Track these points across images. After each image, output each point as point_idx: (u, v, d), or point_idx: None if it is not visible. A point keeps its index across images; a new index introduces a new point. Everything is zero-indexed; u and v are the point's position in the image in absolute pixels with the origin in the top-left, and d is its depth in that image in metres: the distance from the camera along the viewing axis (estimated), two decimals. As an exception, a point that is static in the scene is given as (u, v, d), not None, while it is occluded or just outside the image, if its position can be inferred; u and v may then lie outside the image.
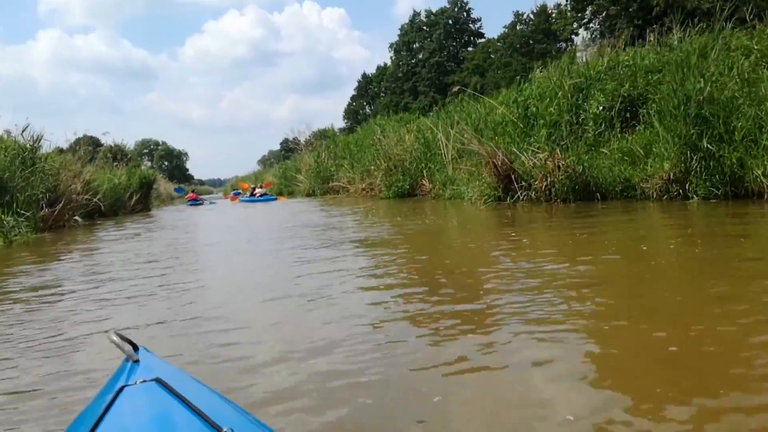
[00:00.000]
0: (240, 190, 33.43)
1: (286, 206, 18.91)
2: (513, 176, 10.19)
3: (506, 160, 10.26)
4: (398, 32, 60.95)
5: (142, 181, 21.85)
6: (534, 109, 11.41)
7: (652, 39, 11.68)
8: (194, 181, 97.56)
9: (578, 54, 29.65)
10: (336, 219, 10.49)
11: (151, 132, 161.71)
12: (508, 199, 9.91)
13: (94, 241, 9.52)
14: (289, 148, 68.81)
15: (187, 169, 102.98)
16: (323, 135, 46.02)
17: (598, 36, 33.65)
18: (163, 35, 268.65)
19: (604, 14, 28.34)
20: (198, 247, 7.96)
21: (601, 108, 9.89)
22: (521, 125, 11.65)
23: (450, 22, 58.22)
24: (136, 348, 1.53)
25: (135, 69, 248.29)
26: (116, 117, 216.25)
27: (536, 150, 10.20)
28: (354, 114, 69.19)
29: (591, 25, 29.97)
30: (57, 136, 57.39)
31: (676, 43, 10.24)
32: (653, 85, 9.49)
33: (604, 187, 8.82)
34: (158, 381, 1.27)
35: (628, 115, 9.64)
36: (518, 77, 13.96)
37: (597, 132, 9.71)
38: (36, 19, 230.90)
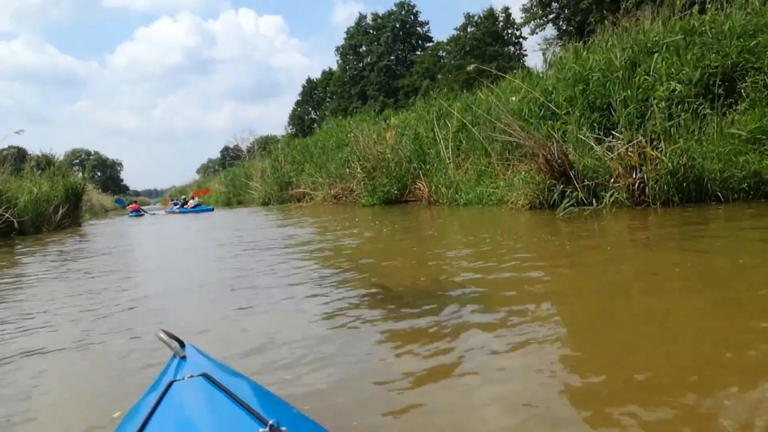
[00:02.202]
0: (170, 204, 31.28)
1: (242, 219, 15.68)
2: (571, 174, 7.62)
3: (562, 152, 7.67)
4: (344, 35, 58.27)
5: (69, 192, 18.02)
6: (573, 89, 8.90)
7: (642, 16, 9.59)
8: (129, 192, 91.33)
9: (544, 53, 27.80)
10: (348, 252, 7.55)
11: (81, 142, 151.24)
12: (563, 203, 7.29)
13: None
14: (231, 156, 64.83)
15: (122, 180, 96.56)
16: (267, 142, 42.93)
17: (558, 36, 32.20)
18: (91, 42, 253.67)
19: (572, 9, 26.60)
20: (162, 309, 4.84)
21: (677, 85, 7.42)
22: (557, 110, 9.12)
23: (397, 25, 56.04)
24: (182, 344, 1.57)
25: (62, 77, 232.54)
26: (44, 127, 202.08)
27: (599, 138, 7.66)
28: (299, 119, 65.87)
29: (558, 21, 28.26)
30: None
31: (758, 4, 7.99)
32: (755, 52, 7.16)
33: (723, 184, 6.35)
34: (205, 376, 1.29)
35: (721, 91, 7.26)
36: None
37: (677, 114, 7.22)
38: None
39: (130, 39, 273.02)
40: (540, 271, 3.86)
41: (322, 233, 8.22)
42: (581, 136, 7.66)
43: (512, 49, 52.67)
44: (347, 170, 16.60)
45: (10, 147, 44.85)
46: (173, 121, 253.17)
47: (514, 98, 11.30)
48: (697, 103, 7.31)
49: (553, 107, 9.36)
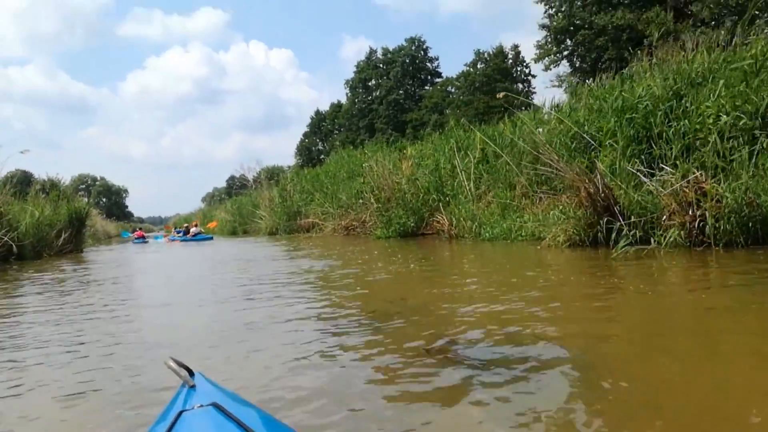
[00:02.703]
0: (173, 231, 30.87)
1: (251, 249, 15.02)
2: (616, 209, 6.97)
3: (606, 186, 7.04)
4: (354, 69, 58.50)
5: (72, 216, 17.41)
6: (611, 121, 8.33)
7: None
8: (134, 219, 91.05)
9: (565, 87, 27.52)
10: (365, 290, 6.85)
11: (90, 168, 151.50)
12: (621, 242, 6.58)
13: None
14: (237, 185, 64.59)
15: (127, 206, 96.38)
16: (273, 172, 42.61)
17: (571, 73, 32.02)
18: (103, 69, 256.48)
19: (586, 46, 26.33)
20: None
21: (740, 116, 6.79)
22: (593, 142, 8.53)
23: (407, 60, 56.30)
24: (191, 373, 1.54)
25: (73, 103, 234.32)
26: (53, 152, 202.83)
27: (648, 172, 7.03)
28: (307, 150, 65.80)
29: (573, 57, 27.97)
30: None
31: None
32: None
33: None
34: (215, 405, 1.28)
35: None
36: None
37: (736, 148, 6.59)
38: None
39: (141, 68, 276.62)
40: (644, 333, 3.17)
41: (341, 267, 7.53)
42: (631, 169, 7.02)
43: (521, 86, 52.78)
44: (360, 201, 15.97)
45: (16, 170, 44.69)
46: (181, 150, 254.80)
47: (540, 130, 10.77)
48: (760, 134, 6.69)
49: (588, 138, 8.78)
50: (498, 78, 49.31)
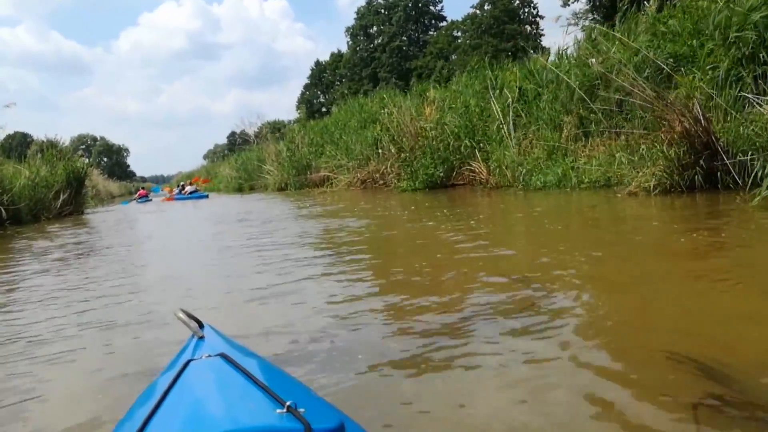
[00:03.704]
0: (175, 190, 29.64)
1: (265, 206, 13.80)
2: (718, 147, 5.68)
3: (703, 120, 5.72)
4: (355, 15, 55.86)
5: (70, 176, 16.10)
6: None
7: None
8: (136, 178, 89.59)
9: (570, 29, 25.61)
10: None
11: (88, 128, 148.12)
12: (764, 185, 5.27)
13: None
14: (239, 141, 62.77)
15: (128, 165, 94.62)
16: (275, 126, 41.03)
17: (589, 10, 29.99)
18: (96, 27, 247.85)
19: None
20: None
21: None
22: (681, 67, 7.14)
23: (410, 4, 53.60)
24: (201, 325, 1.54)
25: (67, 63, 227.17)
26: (50, 113, 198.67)
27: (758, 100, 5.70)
28: (309, 103, 63.64)
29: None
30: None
31: None
32: None
33: None
34: (223, 356, 1.27)
35: None
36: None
37: None
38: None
39: (134, 24, 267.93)
40: None
41: (387, 226, 6.30)
42: (747, 95, 5.67)
43: (529, 28, 50.34)
44: (378, 151, 14.61)
45: (15, 132, 42.97)
46: (178, 107, 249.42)
47: (593, 60, 9.35)
48: None
49: (661, 64, 7.36)
50: (505, 20, 46.87)
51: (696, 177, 5.81)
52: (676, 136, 5.84)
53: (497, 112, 10.86)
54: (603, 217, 5.60)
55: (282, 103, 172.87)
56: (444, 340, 2.11)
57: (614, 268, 3.16)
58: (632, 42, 8.68)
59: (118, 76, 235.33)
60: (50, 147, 21.60)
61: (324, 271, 3.79)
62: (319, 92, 65.21)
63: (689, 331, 2.01)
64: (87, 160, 27.70)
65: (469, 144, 11.27)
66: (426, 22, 54.47)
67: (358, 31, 55.62)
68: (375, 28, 55.01)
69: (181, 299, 3.26)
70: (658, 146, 6.04)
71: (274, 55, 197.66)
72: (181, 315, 1.49)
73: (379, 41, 54.03)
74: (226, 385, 1.15)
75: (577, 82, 9.30)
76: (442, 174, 11.80)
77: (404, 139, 13.33)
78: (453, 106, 12.15)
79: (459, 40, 48.67)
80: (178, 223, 11.74)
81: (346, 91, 52.14)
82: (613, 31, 9.27)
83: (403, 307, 2.67)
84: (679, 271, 2.93)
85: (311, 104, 63.96)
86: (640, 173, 6.11)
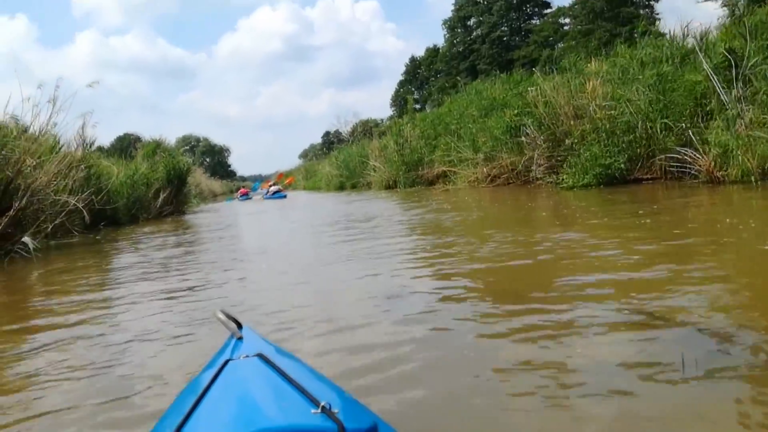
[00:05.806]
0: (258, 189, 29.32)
1: (390, 209, 11.38)
2: None
3: None
4: (452, 7, 52.83)
5: (171, 174, 14.49)
6: None
7: None
8: (237, 177, 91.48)
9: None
10: None
11: (191, 130, 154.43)
12: None
13: None
14: (335, 140, 61.67)
15: (230, 165, 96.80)
16: (367, 125, 39.07)
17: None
18: (198, 33, 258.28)
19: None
20: None
21: None
22: None
23: (512, -8, 49.80)
24: (240, 326, 1.54)
25: (173, 68, 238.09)
26: (157, 116, 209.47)
27: None
28: (403, 101, 61.46)
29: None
30: (102, 136, 51.86)
31: None
32: None
33: None
34: (260, 356, 1.27)
35: None
36: None
37: None
38: (72, 22, 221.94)
39: (233, 30, 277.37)
40: None
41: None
42: None
43: (642, 12, 45.21)
44: (521, 139, 11.74)
45: (125, 134, 43.73)
46: (274, 109, 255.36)
47: None
48: None
49: None
50: (620, 3, 42.09)
51: None
52: None
53: (715, 82, 7.71)
54: None
55: (374, 102, 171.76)
56: None
57: None
58: None
59: (219, 80, 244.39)
60: (157, 146, 20.33)
61: None
62: (413, 89, 62.90)
63: None
64: (190, 159, 26.61)
65: (667, 124, 8.19)
66: (529, 10, 50.53)
67: (456, 23, 52.63)
68: (474, 20, 51.78)
69: None
70: None
71: (366, 56, 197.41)
72: (221, 316, 1.50)
73: (478, 32, 50.76)
74: (262, 385, 1.16)
75: None
76: (622, 166, 8.80)
77: (558, 123, 10.44)
78: (639, 77, 9.04)
79: (566, 27, 44.44)
80: (294, 233, 9.54)
81: (441, 87, 49.48)
82: None
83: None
84: None
85: (405, 102, 61.75)
86: None
